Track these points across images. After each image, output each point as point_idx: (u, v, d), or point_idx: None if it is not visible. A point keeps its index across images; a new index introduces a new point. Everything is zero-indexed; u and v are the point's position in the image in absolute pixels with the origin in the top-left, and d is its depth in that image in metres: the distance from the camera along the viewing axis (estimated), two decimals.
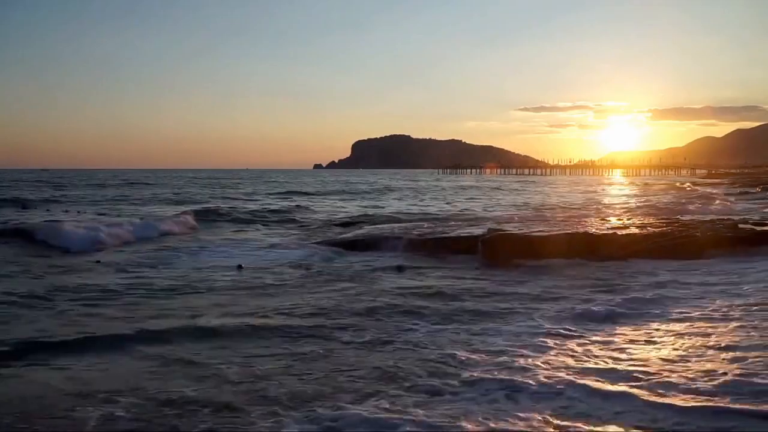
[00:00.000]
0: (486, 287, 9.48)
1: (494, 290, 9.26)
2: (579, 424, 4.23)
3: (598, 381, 5.08)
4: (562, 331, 6.72)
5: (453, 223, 18.85)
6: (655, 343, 6.30)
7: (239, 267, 11.47)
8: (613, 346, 6.15)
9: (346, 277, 10.32)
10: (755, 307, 7.68)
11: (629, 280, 10.12)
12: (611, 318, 7.38)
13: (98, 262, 11.88)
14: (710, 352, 5.88)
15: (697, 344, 6.18)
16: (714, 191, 42.23)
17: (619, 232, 14.22)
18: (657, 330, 6.81)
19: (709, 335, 6.47)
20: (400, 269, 11.32)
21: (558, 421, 4.28)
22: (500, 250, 12.77)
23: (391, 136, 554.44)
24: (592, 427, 4.20)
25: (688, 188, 49.84)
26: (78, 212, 23.45)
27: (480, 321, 7.25)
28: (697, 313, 7.55)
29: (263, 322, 7.17)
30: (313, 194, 42.85)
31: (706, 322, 7.04)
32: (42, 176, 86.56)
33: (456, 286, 9.53)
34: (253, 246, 14.66)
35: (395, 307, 7.84)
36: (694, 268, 11.14)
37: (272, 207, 27.67)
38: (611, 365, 5.54)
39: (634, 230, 14.61)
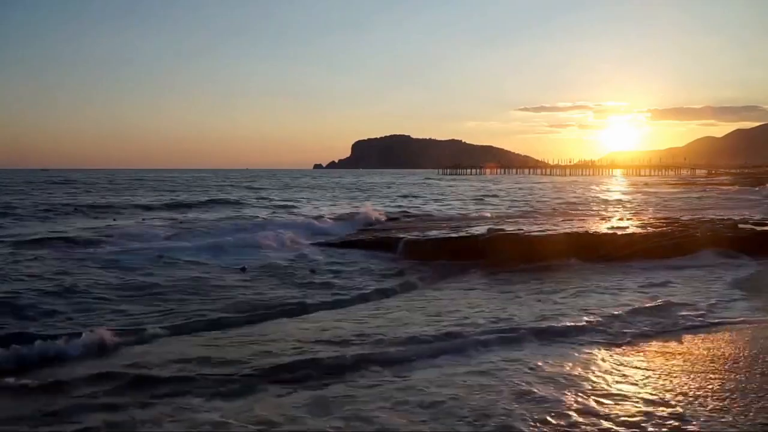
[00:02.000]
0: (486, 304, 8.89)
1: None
2: None
3: None
4: None
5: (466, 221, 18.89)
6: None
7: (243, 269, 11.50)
8: None
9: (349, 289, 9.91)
10: None
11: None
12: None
13: None
14: None
15: None
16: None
17: (618, 232, 14.24)
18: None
19: None
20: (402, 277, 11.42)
21: None
22: (500, 251, 12.77)
23: (391, 136, 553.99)
24: None
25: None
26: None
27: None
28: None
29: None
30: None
31: None
32: (71, 177, 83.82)
33: (450, 300, 9.00)
34: None
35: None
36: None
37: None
38: None
39: (634, 230, 14.63)
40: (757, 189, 44.26)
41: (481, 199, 36.24)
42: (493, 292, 9.64)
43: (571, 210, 26.24)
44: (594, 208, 27.41)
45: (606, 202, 33.99)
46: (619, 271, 11.20)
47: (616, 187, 61.99)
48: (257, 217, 21.44)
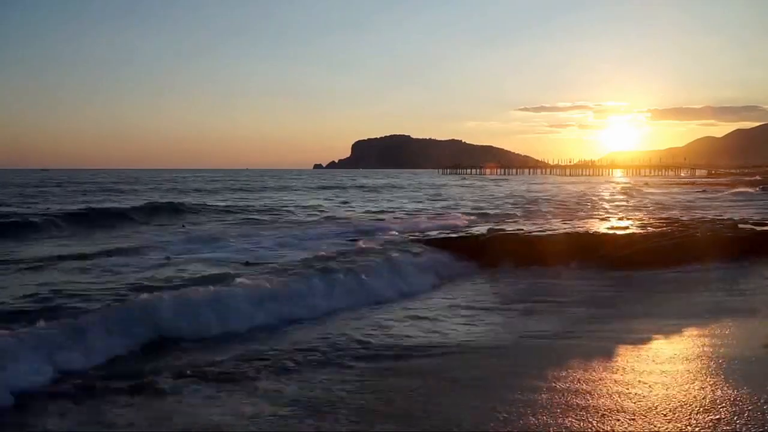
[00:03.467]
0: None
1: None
2: None
3: None
4: None
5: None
6: None
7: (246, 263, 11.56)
8: None
9: None
10: None
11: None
12: None
13: None
14: None
15: None
16: None
17: (618, 232, 14.21)
18: None
19: None
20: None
21: None
22: (500, 251, 12.74)
23: (391, 136, 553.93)
24: None
25: None
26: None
27: None
28: None
29: None
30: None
31: None
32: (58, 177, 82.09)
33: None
34: None
35: None
36: None
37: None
38: None
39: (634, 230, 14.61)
40: (758, 189, 44.29)
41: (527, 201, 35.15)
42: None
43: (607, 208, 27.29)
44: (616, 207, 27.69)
45: (613, 201, 34.22)
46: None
47: (617, 187, 61.92)
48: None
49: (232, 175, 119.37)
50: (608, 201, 34.52)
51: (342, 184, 62.72)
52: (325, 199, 37.44)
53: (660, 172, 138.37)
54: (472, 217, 21.55)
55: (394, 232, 16.20)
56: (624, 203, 32.36)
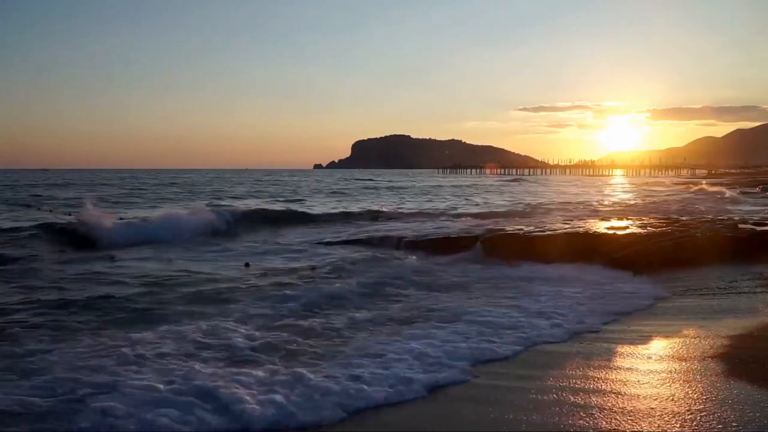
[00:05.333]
0: None
1: None
2: None
3: None
4: None
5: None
6: None
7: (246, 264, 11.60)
8: None
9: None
10: None
11: None
12: None
13: None
14: None
15: None
16: None
17: (619, 232, 14.20)
18: None
19: None
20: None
21: None
22: (499, 251, 12.75)
23: (391, 136, 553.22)
24: None
25: None
26: None
27: None
28: None
29: None
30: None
31: None
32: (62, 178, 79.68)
33: None
34: None
35: None
36: None
37: None
38: None
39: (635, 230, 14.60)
40: (757, 190, 44.30)
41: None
42: None
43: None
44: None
45: (615, 201, 34.20)
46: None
47: (619, 187, 61.91)
48: None
49: (237, 175, 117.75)
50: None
51: (375, 185, 60.61)
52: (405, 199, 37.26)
53: (660, 172, 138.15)
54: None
55: None
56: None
